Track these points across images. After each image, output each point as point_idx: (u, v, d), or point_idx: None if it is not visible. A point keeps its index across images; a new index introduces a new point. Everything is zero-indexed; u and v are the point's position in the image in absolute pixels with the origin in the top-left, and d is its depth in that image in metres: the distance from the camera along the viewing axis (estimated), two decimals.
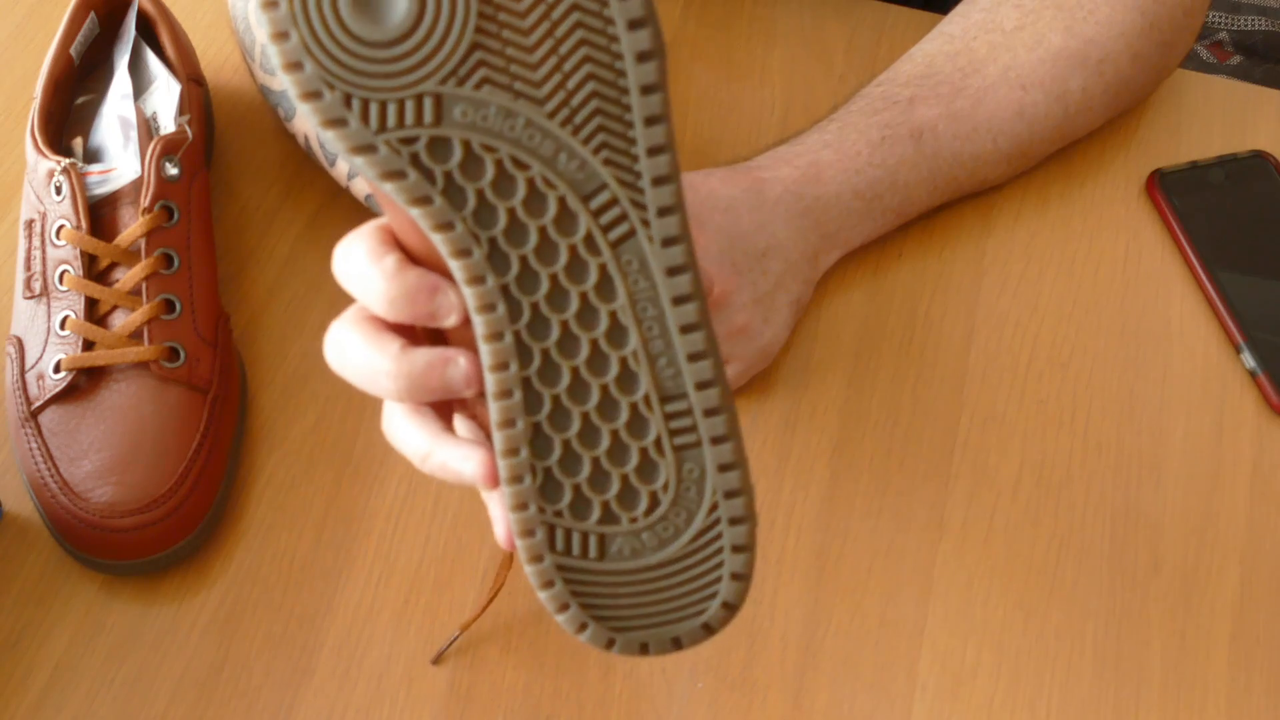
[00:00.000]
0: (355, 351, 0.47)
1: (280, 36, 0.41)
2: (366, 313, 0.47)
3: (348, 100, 0.41)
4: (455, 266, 0.43)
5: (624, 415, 0.45)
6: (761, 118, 0.79)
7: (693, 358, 0.44)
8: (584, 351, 0.44)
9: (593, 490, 0.45)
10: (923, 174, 0.70)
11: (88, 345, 0.64)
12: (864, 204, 0.69)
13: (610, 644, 0.47)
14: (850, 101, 0.72)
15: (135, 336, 0.64)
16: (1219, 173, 0.76)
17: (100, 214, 0.67)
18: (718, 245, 0.63)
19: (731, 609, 0.46)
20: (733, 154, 0.78)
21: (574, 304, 0.44)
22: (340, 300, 0.74)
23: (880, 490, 0.67)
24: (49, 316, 0.65)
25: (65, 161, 0.66)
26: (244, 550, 0.65)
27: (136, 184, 0.67)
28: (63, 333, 0.65)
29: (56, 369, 0.64)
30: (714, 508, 0.46)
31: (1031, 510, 0.67)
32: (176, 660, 0.62)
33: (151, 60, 0.74)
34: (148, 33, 0.75)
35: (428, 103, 0.42)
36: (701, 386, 0.45)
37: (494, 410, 0.44)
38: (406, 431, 0.48)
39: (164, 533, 0.62)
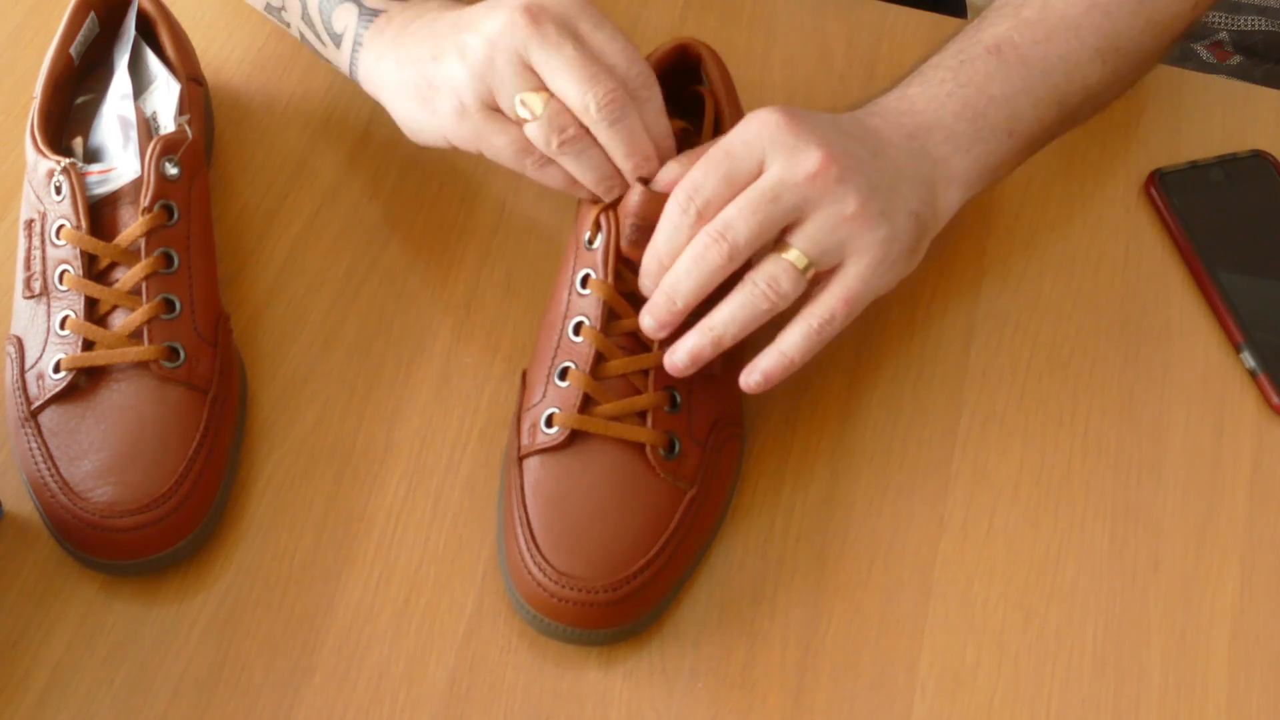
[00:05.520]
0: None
1: None
2: None
3: None
4: None
5: None
6: None
7: None
8: None
9: None
10: (1016, 84, 0.68)
11: (88, 345, 0.64)
12: (967, 125, 0.66)
13: None
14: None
15: (135, 336, 0.64)
16: (1219, 173, 0.76)
17: (100, 214, 0.67)
18: (821, 132, 0.62)
19: None
20: None
21: None
22: (339, 300, 0.74)
23: (880, 490, 0.67)
24: (49, 316, 0.65)
25: (65, 161, 0.66)
26: (244, 550, 0.65)
27: (136, 184, 0.67)
28: (63, 332, 0.64)
29: (56, 369, 0.64)
30: None
31: (1031, 510, 0.67)
32: (176, 660, 0.62)
33: (151, 60, 0.74)
34: (148, 33, 0.75)
35: None
36: None
37: None
38: None
39: (164, 533, 0.62)
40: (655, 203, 0.63)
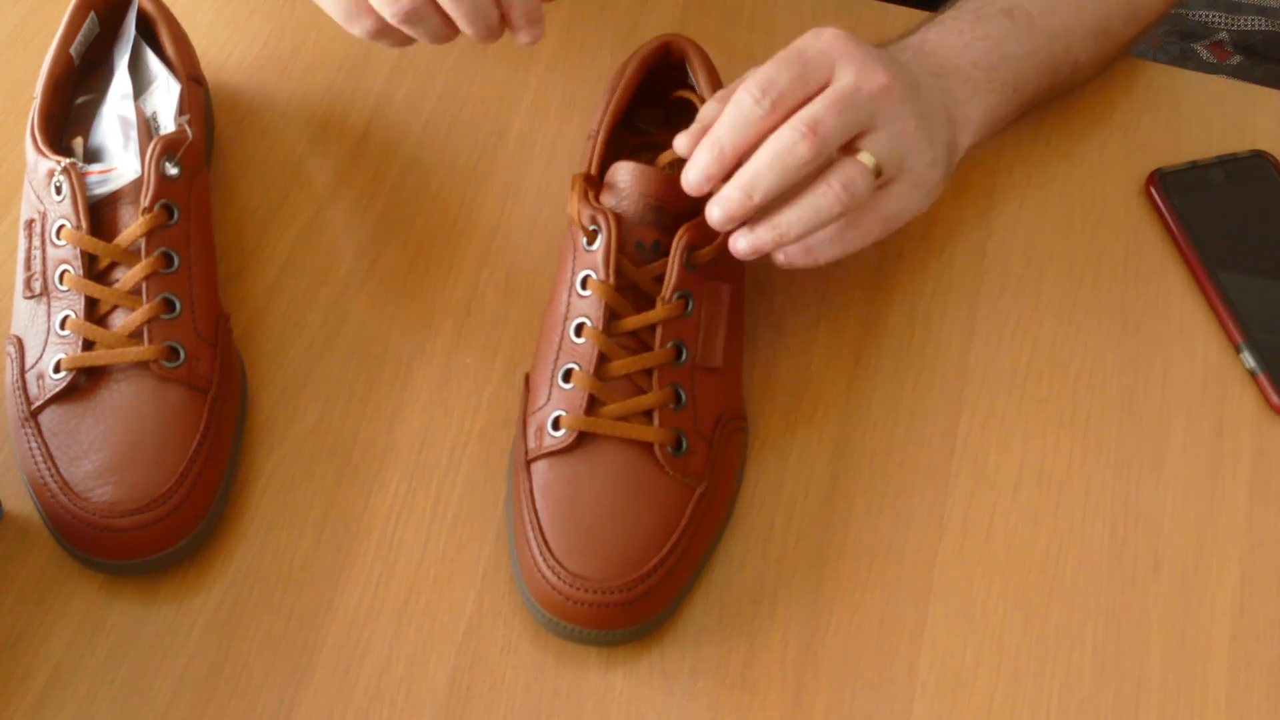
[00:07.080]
0: None
1: None
2: None
3: None
4: None
5: None
6: None
7: None
8: None
9: None
10: (1026, 46, 0.71)
11: (88, 345, 0.64)
12: (982, 74, 0.70)
13: None
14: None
15: (135, 336, 0.64)
16: (1219, 173, 0.76)
17: (100, 214, 0.67)
18: (879, 55, 0.64)
19: None
20: None
21: None
22: (339, 300, 0.74)
23: (880, 490, 0.67)
24: (49, 316, 0.65)
25: (65, 161, 0.66)
26: (244, 550, 0.65)
27: (136, 184, 0.67)
28: (63, 332, 0.65)
29: (56, 369, 0.64)
30: None
31: (1031, 510, 0.67)
32: (176, 660, 0.62)
33: (151, 60, 0.74)
34: (148, 33, 0.75)
35: None
36: None
37: None
38: None
39: (164, 533, 0.62)
40: (666, 181, 0.64)
